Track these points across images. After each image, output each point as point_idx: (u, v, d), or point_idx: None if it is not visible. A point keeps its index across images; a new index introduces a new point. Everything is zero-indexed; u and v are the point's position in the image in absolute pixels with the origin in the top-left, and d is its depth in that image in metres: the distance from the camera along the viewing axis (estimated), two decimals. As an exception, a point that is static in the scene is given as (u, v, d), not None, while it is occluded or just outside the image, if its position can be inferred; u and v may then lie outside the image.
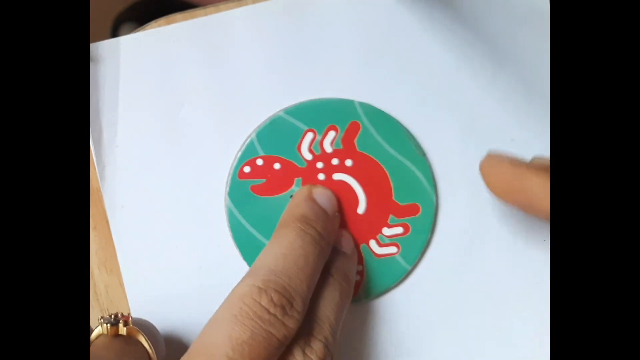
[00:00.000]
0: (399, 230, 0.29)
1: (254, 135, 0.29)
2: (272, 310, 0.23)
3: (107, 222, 0.30)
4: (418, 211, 0.29)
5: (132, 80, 0.29)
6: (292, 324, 0.23)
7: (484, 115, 0.30)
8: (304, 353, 0.24)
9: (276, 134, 0.29)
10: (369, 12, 0.30)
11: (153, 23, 0.30)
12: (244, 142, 0.29)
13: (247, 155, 0.29)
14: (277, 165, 0.29)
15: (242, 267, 0.29)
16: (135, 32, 0.30)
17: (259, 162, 0.29)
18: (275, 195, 0.29)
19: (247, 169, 0.29)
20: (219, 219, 0.29)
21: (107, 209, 0.30)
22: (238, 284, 0.25)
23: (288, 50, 0.30)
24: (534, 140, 0.30)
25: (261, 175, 0.29)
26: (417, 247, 0.30)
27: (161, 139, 0.30)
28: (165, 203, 0.30)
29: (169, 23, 0.30)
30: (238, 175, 0.29)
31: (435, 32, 0.30)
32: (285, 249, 0.25)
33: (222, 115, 0.30)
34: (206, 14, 0.29)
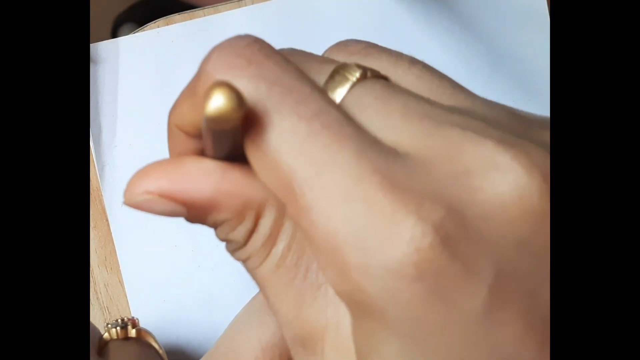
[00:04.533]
0: None
1: None
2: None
3: (107, 220, 0.30)
4: None
5: (131, 80, 0.30)
6: None
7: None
8: None
9: None
10: (367, 13, 0.30)
11: (152, 24, 0.30)
12: None
13: None
14: None
15: (241, 267, 0.29)
16: (134, 33, 0.30)
17: None
18: None
19: None
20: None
21: (107, 207, 0.30)
22: None
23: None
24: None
25: None
26: None
27: (159, 139, 0.30)
28: (164, 202, 0.30)
29: (168, 24, 0.30)
30: None
31: (433, 32, 0.30)
32: None
33: (221, 115, 0.30)
34: (205, 15, 0.30)
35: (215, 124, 0.13)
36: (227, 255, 0.33)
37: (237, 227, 0.16)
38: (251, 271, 0.17)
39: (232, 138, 0.14)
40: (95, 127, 0.29)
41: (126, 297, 0.30)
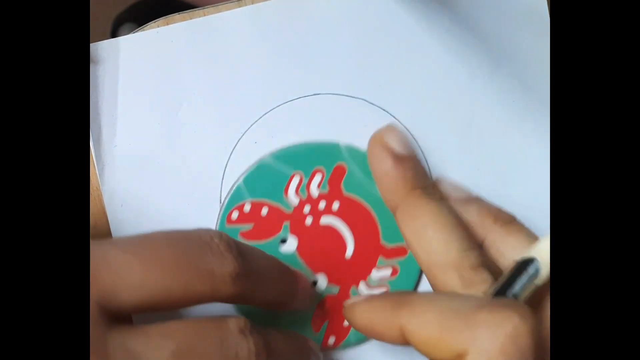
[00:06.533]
0: (387, 272, 0.29)
1: (241, 181, 0.29)
2: (216, 239, 0.23)
3: (107, 221, 0.30)
4: (406, 253, 0.29)
5: (131, 80, 0.30)
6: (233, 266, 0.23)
7: (482, 116, 0.30)
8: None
9: (263, 178, 0.29)
10: (368, 13, 0.30)
11: (152, 23, 0.30)
12: (231, 188, 0.29)
13: (234, 201, 0.29)
14: (264, 211, 0.29)
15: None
16: (134, 33, 0.30)
17: (247, 208, 0.29)
18: (264, 240, 0.29)
19: (234, 216, 0.29)
20: (217, 218, 0.30)
21: (107, 208, 0.30)
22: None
23: (287, 51, 0.30)
24: (532, 140, 0.30)
25: (249, 221, 0.29)
26: (405, 289, 0.29)
27: (160, 139, 0.30)
28: (164, 202, 0.30)
29: (168, 23, 0.30)
30: (226, 221, 0.29)
31: (433, 32, 0.30)
32: None
33: (221, 115, 0.30)
34: (205, 15, 0.30)
35: None
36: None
37: None
38: None
39: None
40: (95, 127, 0.29)
41: (126, 297, 0.30)
